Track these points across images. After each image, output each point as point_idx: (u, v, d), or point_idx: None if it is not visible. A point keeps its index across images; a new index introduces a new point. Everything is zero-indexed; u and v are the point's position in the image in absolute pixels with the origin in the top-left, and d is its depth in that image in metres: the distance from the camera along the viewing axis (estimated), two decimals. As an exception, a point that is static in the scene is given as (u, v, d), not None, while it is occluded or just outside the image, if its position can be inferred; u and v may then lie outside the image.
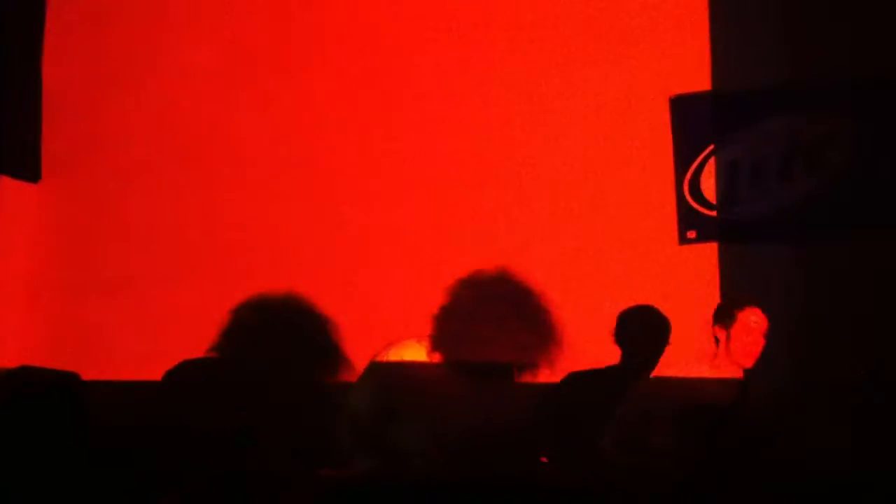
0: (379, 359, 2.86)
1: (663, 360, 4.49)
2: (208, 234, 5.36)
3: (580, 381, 4.23)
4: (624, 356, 4.47)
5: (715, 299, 5.55)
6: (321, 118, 5.55)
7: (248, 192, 5.44)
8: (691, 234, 5.01)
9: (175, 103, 5.45)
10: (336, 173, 5.52)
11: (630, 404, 3.78)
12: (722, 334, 4.20)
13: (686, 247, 5.23)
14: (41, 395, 2.44)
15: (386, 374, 2.47)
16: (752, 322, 4.23)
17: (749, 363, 4.21)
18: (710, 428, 2.59)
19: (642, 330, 4.52)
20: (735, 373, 4.19)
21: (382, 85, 5.62)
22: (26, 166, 5.21)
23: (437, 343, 2.50)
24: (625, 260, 5.45)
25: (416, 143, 5.58)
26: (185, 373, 2.26)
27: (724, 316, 4.22)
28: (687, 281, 5.58)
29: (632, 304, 4.77)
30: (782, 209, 4.84)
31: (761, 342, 4.21)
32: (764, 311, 4.32)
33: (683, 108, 5.05)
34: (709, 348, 4.49)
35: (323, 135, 5.53)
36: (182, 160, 5.41)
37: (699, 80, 5.68)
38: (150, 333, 5.08)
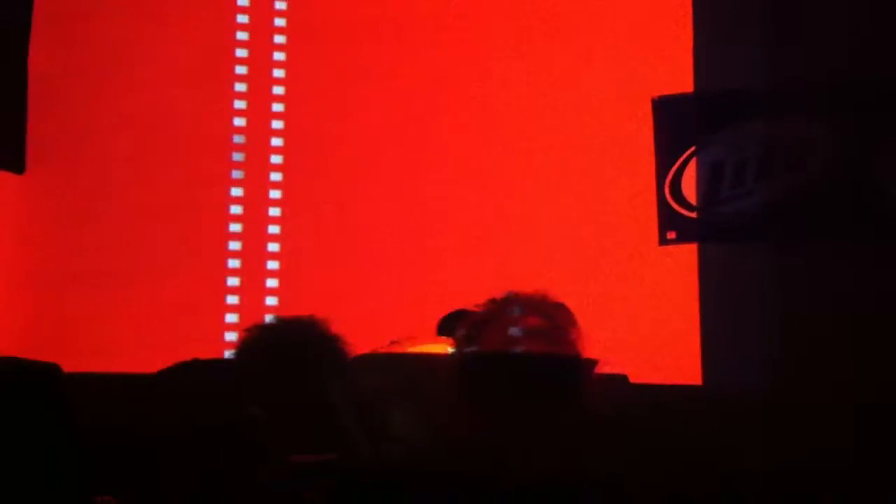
0: (383, 350, 2.90)
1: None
2: (194, 227, 5.37)
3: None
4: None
5: (695, 299, 5.61)
6: (312, 111, 5.57)
7: (234, 185, 5.46)
8: (671, 235, 5.05)
9: (162, 96, 5.45)
10: (325, 167, 5.55)
11: None
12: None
13: (668, 247, 5.27)
14: (21, 385, 2.44)
15: (388, 363, 2.50)
16: None
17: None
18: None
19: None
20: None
21: (375, 80, 5.65)
22: (11, 158, 5.19)
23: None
24: (607, 260, 5.49)
25: (405, 141, 5.61)
26: (180, 371, 2.28)
27: None
28: (668, 281, 5.63)
29: (613, 304, 4.83)
30: (761, 210, 4.89)
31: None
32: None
33: (666, 110, 5.09)
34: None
35: (313, 128, 5.55)
36: (168, 153, 5.41)
37: (682, 82, 5.73)
38: (133, 326, 5.09)
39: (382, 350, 2.86)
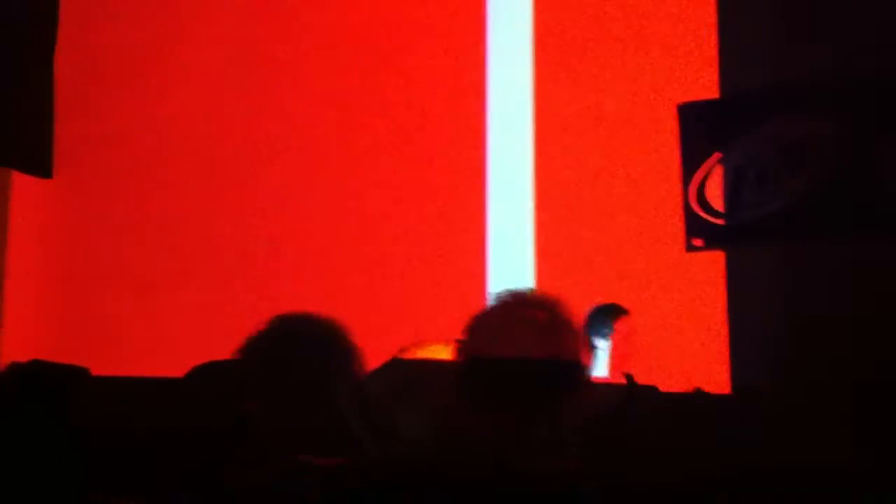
0: (398, 356, 2.91)
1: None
2: (219, 230, 5.39)
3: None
4: None
5: (722, 305, 5.59)
6: (337, 116, 5.58)
7: (261, 188, 5.47)
8: (698, 242, 5.03)
9: (188, 99, 5.48)
10: (350, 172, 5.56)
11: None
12: (603, 344, 4.45)
13: (695, 254, 5.25)
14: (50, 389, 2.46)
15: (401, 368, 2.50)
16: (630, 328, 4.50)
17: (629, 367, 4.46)
18: (602, 430, 2.67)
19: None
20: (619, 378, 4.43)
21: (394, 85, 5.66)
22: (38, 162, 5.23)
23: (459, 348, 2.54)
24: (634, 268, 5.48)
25: (424, 145, 5.61)
26: (201, 373, 2.29)
27: (602, 326, 4.48)
28: (694, 288, 5.61)
29: (639, 311, 4.82)
30: (784, 213, 4.86)
31: (636, 347, 4.49)
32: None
33: (691, 116, 5.07)
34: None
35: (337, 133, 5.56)
36: (194, 156, 5.44)
37: (707, 88, 5.71)
38: (160, 329, 5.11)
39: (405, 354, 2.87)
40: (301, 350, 2.25)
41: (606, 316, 4.54)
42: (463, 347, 1.96)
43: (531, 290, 2.07)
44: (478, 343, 1.92)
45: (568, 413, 1.90)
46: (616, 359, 4.50)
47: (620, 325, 4.52)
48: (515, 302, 1.96)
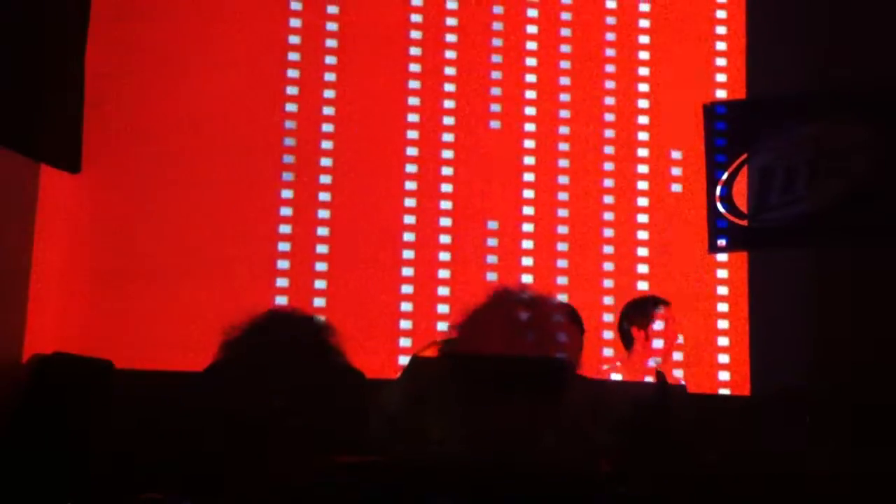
0: (419, 354, 2.94)
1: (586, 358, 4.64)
2: (244, 227, 5.42)
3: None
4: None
5: (744, 305, 5.57)
6: (362, 114, 5.60)
7: (284, 186, 5.50)
8: (722, 243, 5.01)
9: (215, 96, 5.51)
10: (374, 170, 5.58)
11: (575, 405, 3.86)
12: (640, 334, 4.41)
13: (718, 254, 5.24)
14: (74, 380, 2.48)
15: (422, 365, 2.51)
16: (668, 319, 4.46)
17: (666, 360, 4.44)
18: (641, 425, 2.67)
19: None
20: (649, 370, 4.41)
21: (422, 83, 5.67)
22: (67, 157, 5.27)
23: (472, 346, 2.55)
24: (657, 268, 5.47)
25: (451, 143, 5.63)
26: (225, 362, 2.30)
27: (640, 316, 4.43)
28: (717, 288, 5.60)
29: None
30: (812, 217, 4.83)
31: (675, 339, 4.44)
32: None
33: (717, 116, 5.05)
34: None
35: (363, 131, 5.58)
36: (221, 153, 5.47)
37: (734, 87, 5.69)
38: (186, 324, 5.14)
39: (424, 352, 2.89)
40: (320, 346, 2.26)
41: (646, 306, 4.51)
42: (449, 344, 1.97)
43: (521, 287, 2.08)
44: (464, 340, 1.93)
45: (560, 410, 1.91)
46: (651, 349, 4.48)
47: (660, 315, 4.49)
48: (503, 300, 1.97)
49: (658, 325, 4.47)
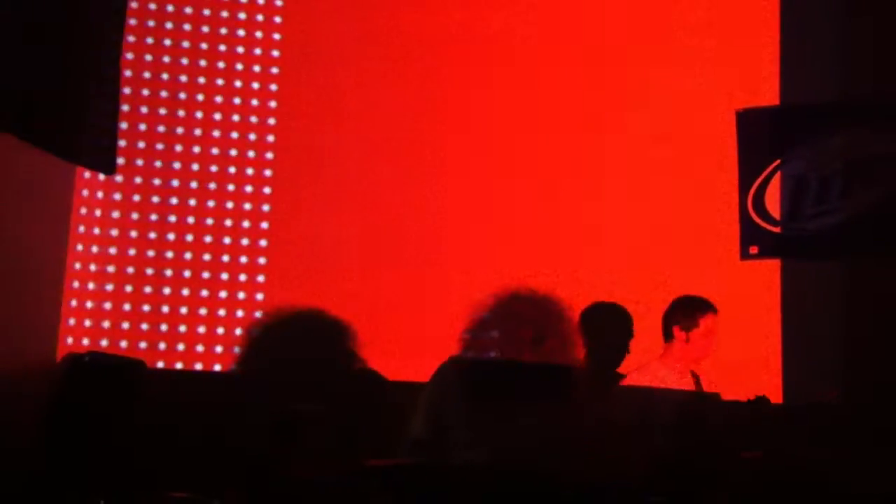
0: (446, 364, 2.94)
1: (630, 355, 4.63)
2: (280, 228, 5.45)
3: None
4: (592, 349, 4.57)
5: (776, 311, 5.54)
6: (393, 117, 5.64)
7: (320, 188, 5.53)
8: (753, 250, 4.98)
9: (247, 97, 5.56)
10: (406, 172, 5.60)
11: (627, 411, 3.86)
12: (682, 335, 4.38)
13: (750, 262, 5.21)
14: (107, 379, 2.50)
15: (460, 371, 2.53)
16: (712, 327, 4.42)
17: (700, 364, 4.41)
18: (685, 431, 2.67)
19: (608, 323, 4.64)
20: (684, 371, 4.38)
21: (446, 86, 5.69)
22: (102, 158, 5.32)
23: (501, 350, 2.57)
24: (688, 275, 5.45)
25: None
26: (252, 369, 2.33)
27: (686, 318, 4.39)
28: (749, 294, 5.57)
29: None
30: (845, 226, 4.79)
31: (712, 349, 4.41)
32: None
33: (750, 123, 5.02)
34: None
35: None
36: (253, 153, 5.52)
37: (768, 94, 5.66)
38: (217, 325, 5.18)
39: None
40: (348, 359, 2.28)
41: (694, 309, 4.45)
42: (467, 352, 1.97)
43: (529, 289, 2.09)
44: (478, 342, 1.94)
45: (564, 416, 1.91)
46: (690, 352, 4.43)
47: (706, 320, 4.44)
48: (510, 301, 1.98)
49: (701, 332, 4.42)
